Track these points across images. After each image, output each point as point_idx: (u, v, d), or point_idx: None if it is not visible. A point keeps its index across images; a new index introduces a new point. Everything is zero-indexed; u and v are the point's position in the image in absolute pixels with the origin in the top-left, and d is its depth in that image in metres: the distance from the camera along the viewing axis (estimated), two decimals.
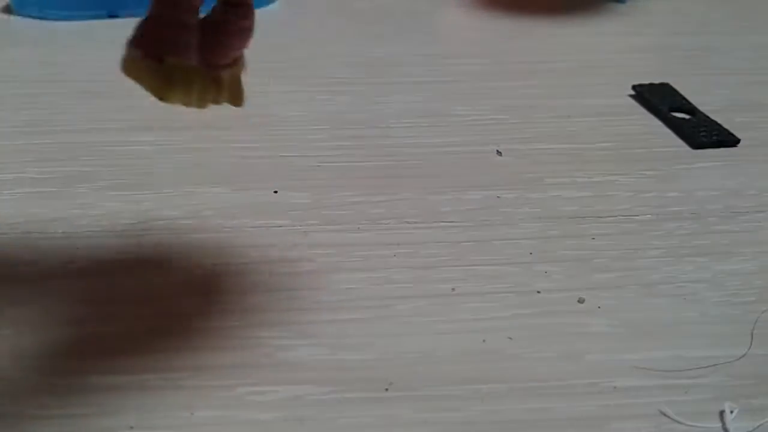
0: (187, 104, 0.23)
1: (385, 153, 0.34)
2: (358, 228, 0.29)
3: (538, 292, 0.26)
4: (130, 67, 0.22)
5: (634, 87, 0.40)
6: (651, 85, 0.40)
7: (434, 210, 0.30)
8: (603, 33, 0.49)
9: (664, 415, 0.21)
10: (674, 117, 0.37)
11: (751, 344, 0.24)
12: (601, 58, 0.45)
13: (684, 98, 0.39)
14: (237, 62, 0.24)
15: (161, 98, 0.22)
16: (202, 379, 0.22)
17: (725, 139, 0.35)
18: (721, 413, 0.21)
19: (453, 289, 0.26)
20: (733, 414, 0.21)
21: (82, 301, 0.25)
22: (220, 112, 0.38)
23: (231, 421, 0.21)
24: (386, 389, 0.22)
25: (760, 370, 0.23)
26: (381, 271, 0.26)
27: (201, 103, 0.23)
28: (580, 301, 0.25)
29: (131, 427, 0.21)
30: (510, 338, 0.24)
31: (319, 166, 0.33)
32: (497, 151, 0.34)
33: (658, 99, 0.39)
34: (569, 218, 0.30)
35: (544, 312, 0.25)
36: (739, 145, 0.35)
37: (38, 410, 0.21)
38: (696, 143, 0.35)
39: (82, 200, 0.30)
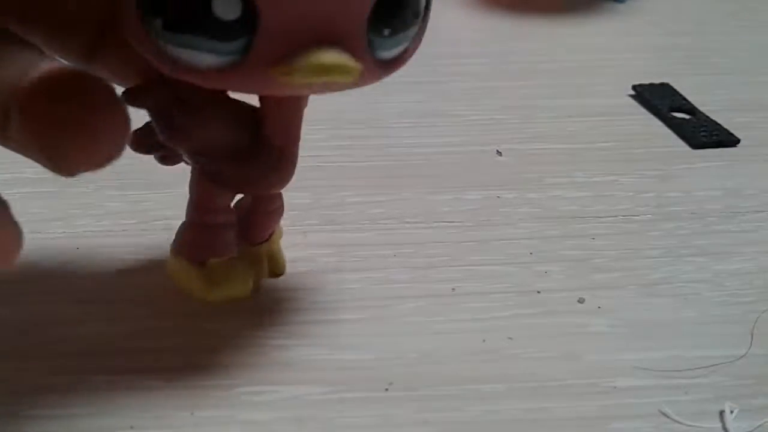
0: (231, 296, 0.24)
1: (385, 153, 0.34)
2: (358, 228, 0.29)
3: (538, 292, 0.26)
4: (174, 274, 0.24)
5: (634, 87, 0.40)
6: (651, 85, 0.40)
7: (434, 210, 0.30)
8: (603, 33, 0.49)
9: (664, 415, 0.21)
10: (674, 117, 0.37)
11: (751, 344, 0.24)
12: (601, 58, 0.45)
13: (684, 98, 0.39)
14: (271, 236, 0.25)
15: (207, 298, 0.24)
16: (202, 379, 0.22)
17: (725, 139, 0.35)
18: (721, 413, 0.21)
19: (453, 289, 0.26)
20: (733, 414, 0.21)
21: (82, 301, 0.25)
22: None
23: (231, 421, 0.21)
24: (386, 389, 0.22)
25: (760, 370, 0.23)
26: (381, 271, 0.26)
27: (245, 290, 0.24)
28: (580, 301, 0.25)
29: (131, 427, 0.21)
30: (510, 338, 0.24)
31: (319, 166, 0.33)
32: (497, 151, 0.34)
33: (658, 99, 0.39)
34: (569, 218, 0.30)
35: (544, 312, 0.25)
36: (739, 145, 0.35)
37: (38, 410, 0.21)
38: (696, 143, 0.35)
39: (82, 200, 0.30)
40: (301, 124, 0.22)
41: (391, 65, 0.19)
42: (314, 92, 0.20)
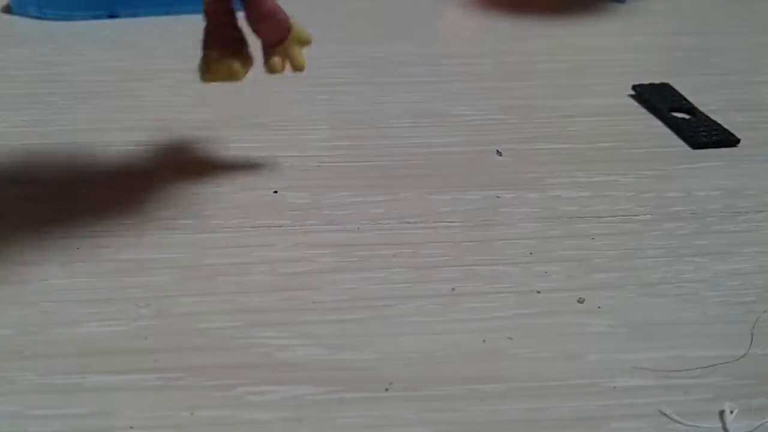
0: (217, 80, 0.29)
1: (385, 153, 0.34)
2: (358, 228, 0.29)
3: (538, 292, 0.26)
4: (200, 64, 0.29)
5: (634, 87, 0.40)
6: (651, 85, 0.40)
7: (434, 210, 0.30)
8: (603, 33, 0.49)
9: (664, 415, 0.21)
10: (674, 117, 0.37)
11: (751, 344, 0.24)
12: (601, 58, 0.45)
13: (684, 98, 0.39)
14: (284, 38, 0.29)
15: (203, 79, 0.29)
16: (202, 379, 0.22)
17: (725, 139, 0.35)
18: (721, 413, 0.21)
19: (453, 289, 0.26)
20: (733, 414, 0.21)
21: (82, 301, 0.25)
22: (220, 113, 0.38)
23: (231, 421, 0.21)
24: (386, 389, 0.22)
25: (760, 370, 0.23)
26: (381, 271, 0.26)
27: (229, 78, 0.29)
28: (580, 301, 0.25)
29: (131, 427, 0.21)
30: (510, 338, 0.24)
31: (319, 166, 0.33)
32: (497, 151, 0.34)
33: (658, 99, 0.39)
34: (569, 218, 0.30)
35: (544, 312, 0.25)
36: (739, 145, 0.35)
37: (38, 410, 0.21)
38: (696, 143, 0.35)
39: (82, 200, 0.30)
40: None
41: None
42: None
